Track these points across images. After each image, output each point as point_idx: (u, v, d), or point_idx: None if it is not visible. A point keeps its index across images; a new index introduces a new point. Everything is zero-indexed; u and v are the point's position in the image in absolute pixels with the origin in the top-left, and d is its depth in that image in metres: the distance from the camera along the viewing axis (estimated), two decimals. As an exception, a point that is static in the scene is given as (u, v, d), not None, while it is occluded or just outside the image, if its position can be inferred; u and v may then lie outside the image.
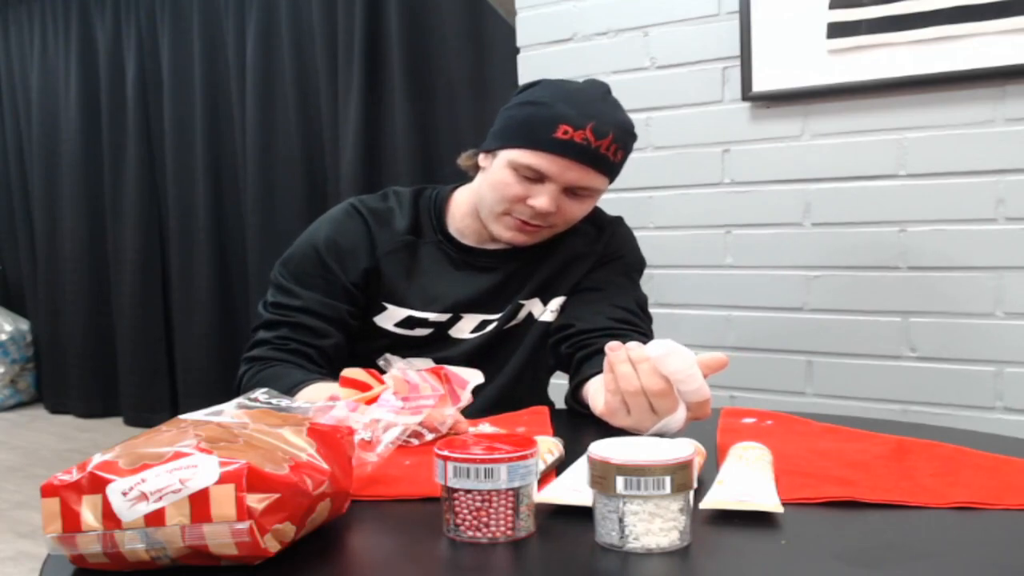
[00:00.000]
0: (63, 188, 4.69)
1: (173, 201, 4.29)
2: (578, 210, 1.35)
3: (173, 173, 4.26)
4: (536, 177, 1.29)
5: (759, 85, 2.06)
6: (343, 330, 1.36)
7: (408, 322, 1.38)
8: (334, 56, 3.59)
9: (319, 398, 1.10)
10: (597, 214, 1.49)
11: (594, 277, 1.44)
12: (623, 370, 1.04)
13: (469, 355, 1.37)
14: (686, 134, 2.19)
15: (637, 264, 1.51)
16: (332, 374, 1.19)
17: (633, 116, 2.22)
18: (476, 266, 1.41)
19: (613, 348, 1.05)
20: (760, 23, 2.05)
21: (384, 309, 1.38)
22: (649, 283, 2.23)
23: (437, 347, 1.38)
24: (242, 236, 4.08)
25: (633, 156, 2.26)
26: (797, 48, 2.01)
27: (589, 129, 1.26)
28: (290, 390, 1.20)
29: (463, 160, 1.43)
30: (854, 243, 2.00)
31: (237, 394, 1.11)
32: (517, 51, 2.43)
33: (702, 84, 2.16)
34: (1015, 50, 1.79)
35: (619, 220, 1.52)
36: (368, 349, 1.38)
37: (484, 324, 1.41)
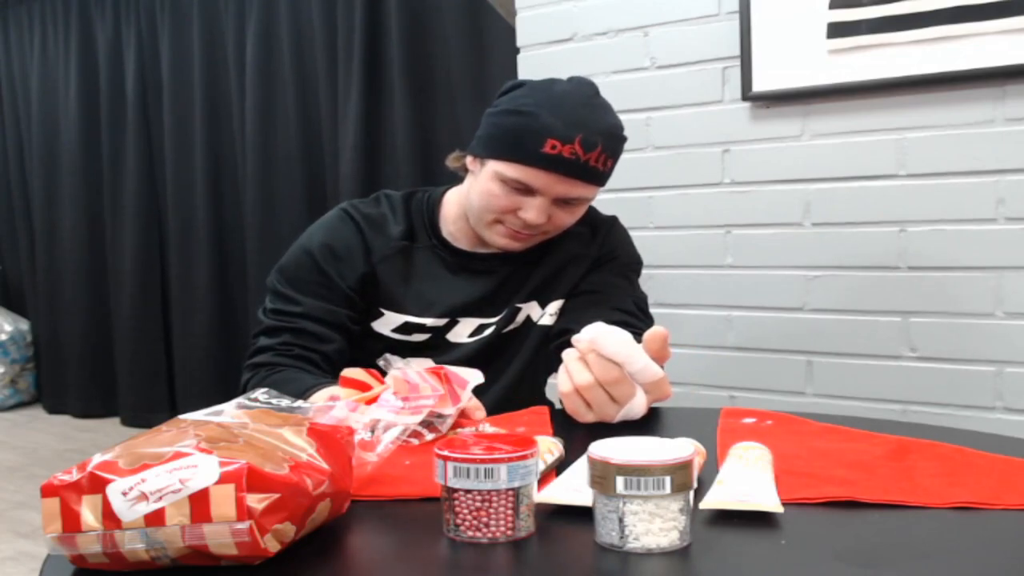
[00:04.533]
0: (63, 188, 4.69)
1: (172, 201, 4.28)
2: (569, 218, 1.35)
3: (173, 173, 4.26)
4: (524, 189, 1.28)
5: (759, 85, 2.06)
6: (345, 335, 1.36)
7: (405, 328, 1.38)
8: (334, 56, 3.59)
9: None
10: (591, 214, 1.48)
11: (592, 280, 1.44)
12: (574, 367, 1.06)
13: (468, 359, 1.37)
14: (686, 134, 2.19)
15: (634, 264, 1.50)
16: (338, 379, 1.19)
17: (633, 116, 2.25)
18: (472, 270, 1.41)
19: (568, 353, 1.08)
20: (760, 23, 2.05)
21: (381, 315, 1.38)
22: (649, 283, 2.23)
23: (435, 352, 1.38)
24: (241, 236, 4.08)
25: (633, 156, 2.28)
26: (797, 48, 2.01)
27: (578, 142, 1.24)
28: (303, 394, 1.19)
29: (451, 161, 1.42)
30: (854, 243, 2.00)
31: None
32: (517, 51, 2.44)
33: (702, 84, 2.16)
34: (1015, 50, 1.79)
35: (613, 220, 1.51)
36: (366, 354, 1.37)
37: (482, 328, 1.40)
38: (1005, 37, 1.79)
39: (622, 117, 2.27)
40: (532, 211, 1.29)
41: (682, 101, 2.19)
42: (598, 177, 1.30)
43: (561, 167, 1.25)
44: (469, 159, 1.37)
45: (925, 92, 1.90)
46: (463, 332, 1.40)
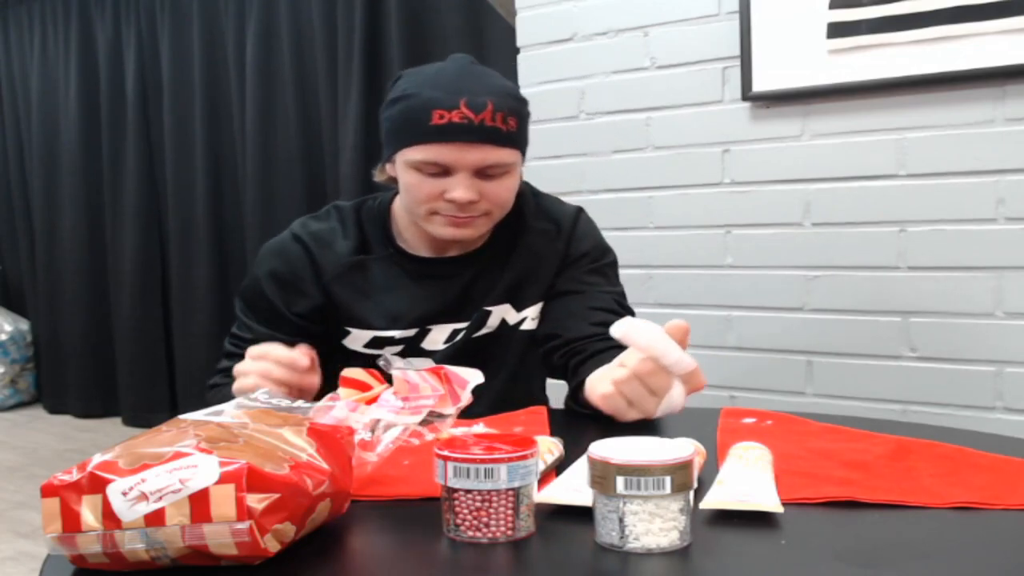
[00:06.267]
0: (63, 188, 4.69)
1: (173, 201, 4.29)
2: (501, 189, 1.29)
3: (173, 173, 4.26)
4: (440, 170, 1.25)
5: (759, 85, 2.06)
6: None
7: (375, 342, 1.35)
8: (334, 56, 3.59)
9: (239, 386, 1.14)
10: (554, 207, 1.44)
11: (567, 280, 1.39)
12: (613, 372, 1.05)
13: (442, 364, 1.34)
14: (686, 134, 2.19)
15: (606, 257, 1.44)
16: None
17: (633, 116, 2.25)
18: (434, 276, 1.37)
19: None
20: (760, 23, 2.05)
21: (348, 333, 1.36)
22: (649, 283, 2.23)
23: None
24: (241, 236, 4.08)
25: (633, 156, 2.28)
26: (797, 48, 2.01)
27: (463, 105, 1.22)
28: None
29: (378, 177, 1.39)
30: (854, 243, 2.00)
31: None
32: (517, 51, 2.44)
33: (702, 84, 2.16)
34: (1015, 50, 1.79)
35: (577, 213, 1.45)
36: (342, 362, 1.34)
37: (456, 333, 1.37)
38: (1005, 37, 1.79)
39: (622, 117, 2.29)
40: (458, 189, 1.25)
41: (682, 101, 2.19)
42: (504, 138, 1.25)
43: (457, 134, 1.23)
44: (388, 167, 1.34)
45: (925, 92, 1.90)
46: (438, 339, 1.37)
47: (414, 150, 1.25)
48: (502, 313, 1.39)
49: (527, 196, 1.44)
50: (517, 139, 1.28)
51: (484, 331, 1.38)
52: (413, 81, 1.28)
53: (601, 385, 1.09)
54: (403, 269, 1.37)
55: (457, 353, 1.36)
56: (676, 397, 1.07)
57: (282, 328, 1.34)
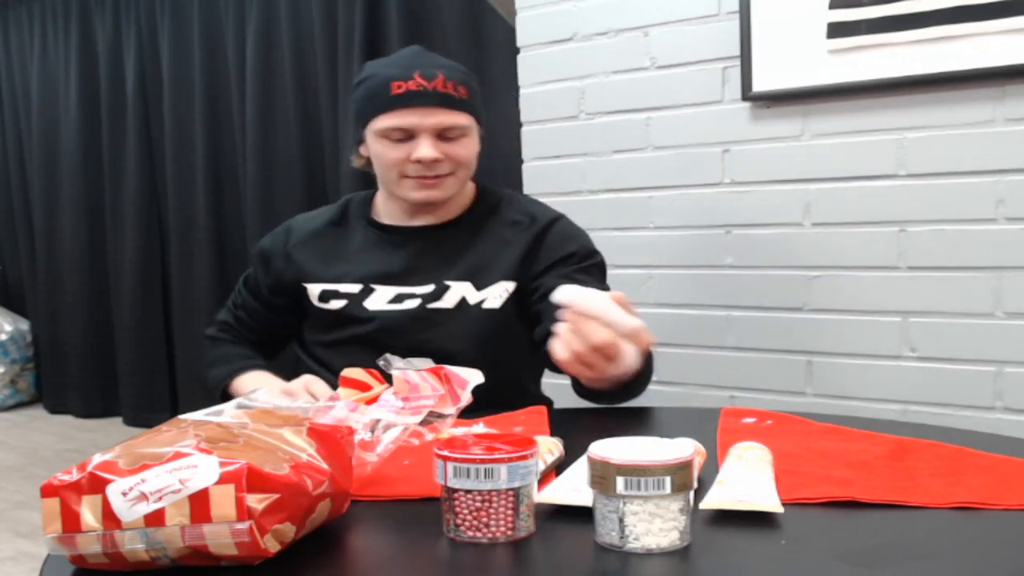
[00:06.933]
0: (63, 188, 4.69)
1: (173, 201, 4.29)
2: (461, 149, 1.44)
3: (173, 173, 4.26)
4: (405, 136, 1.41)
5: (759, 85, 2.06)
6: (267, 326, 1.59)
7: (324, 295, 1.48)
8: (334, 56, 3.59)
9: (252, 385, 1.34)
10: (533, 207, 1.54)
11: (557, 279, 1.40)
12: (567, 337, 1.09)
13: (391, 329, 1.43)
14: (686, 134, 2.19)
15: (594, 258, 1.50)
16: (262, 356, 1.57)
17: (633, 116, 2.26)
18: (393, 243, 1.50)
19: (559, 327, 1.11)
20: (760, 23, 2.05)
21: (305, 289, 1.50)
22: (649, 283, 2.23)
23: (355, 321, 1.45)
24: (242, 236, 4.08)
25: (633, 156, 2.28)
26: (797, 48, 2.01)
27: (417, 76, 1.40)
28: (231, 374, 1.48)
29: (355, 161, 1.55)
30: (854, 243, 2.00)
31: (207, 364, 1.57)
32: (517, 51, 2.43)
33: (702, 84, 2.16)
34: (1015, 50, 1.78)
35: (557, 216, 1.54)
36: (310, 331, 1.52)
37: (401, 297, 1.45)
38: (1005, 37, 1.79)
39: (622, 117, 2.29)
40: (421, 148, 1.40)
41: (682, 101, 2.19)
42: (457, 102, 1.42)
43: (415, 100, 1.40)
44: (362, 148, 1.50)
45: (925, 92, 1.90)
46: (381, 299, 1.46)
47: (379, 120, 1.42)
48: (462, 291, 1.46)
49: (513, 195, 1.57)
50: (470, 105, 1.45)
51: (442, 305, 1.45)
52: (372, 67, 1.49)
53: (559, 351, 1.11)
54: (365, 235, 1.51)
55: (407, 319, 1.44)
56: (628, 357, 1.12)
57: (258, 299, 1.58)
